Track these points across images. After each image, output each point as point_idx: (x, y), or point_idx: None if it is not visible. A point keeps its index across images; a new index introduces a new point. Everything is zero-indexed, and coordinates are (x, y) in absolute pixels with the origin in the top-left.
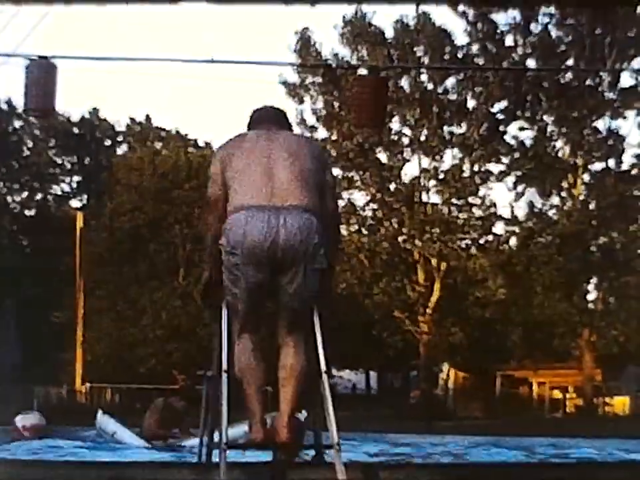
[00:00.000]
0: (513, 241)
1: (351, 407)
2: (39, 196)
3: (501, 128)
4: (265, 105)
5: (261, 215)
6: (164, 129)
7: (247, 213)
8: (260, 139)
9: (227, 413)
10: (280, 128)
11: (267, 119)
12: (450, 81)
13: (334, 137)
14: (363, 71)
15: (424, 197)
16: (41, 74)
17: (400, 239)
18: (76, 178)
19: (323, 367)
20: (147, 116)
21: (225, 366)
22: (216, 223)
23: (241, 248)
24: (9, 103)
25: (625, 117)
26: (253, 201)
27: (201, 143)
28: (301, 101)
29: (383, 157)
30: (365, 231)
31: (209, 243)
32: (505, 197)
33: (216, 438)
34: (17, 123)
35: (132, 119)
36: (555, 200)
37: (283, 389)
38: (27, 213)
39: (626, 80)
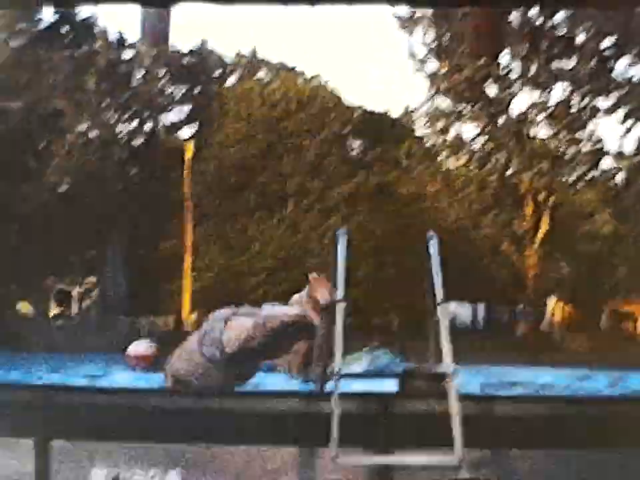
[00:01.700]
0: (621, 176)
1: (458, 339)
2: (148, 126)
3: (610, 63)
4: None
5: None
6: (271, 62)
7: None
8: None
9: (342, 342)
10: None
11: None
12: (559, 16)
13: (443, 70)
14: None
15: (532, 131)
16: (156, 12)
17: (508, 172)
18: (185, 108)
19: (439, 297)
20: (254, 49)
21: (340, 294)
22: None
23: None
24: (120, 34)
25: None
26: None
27: (309, 75)
28: (412, 34)
29: (491, 90)
30: (473, 164)
31: None
32: (613, 131)
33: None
34: (128, 54)
35: (238, 52)
36: None
37: None
38: (136, 142)
39: None
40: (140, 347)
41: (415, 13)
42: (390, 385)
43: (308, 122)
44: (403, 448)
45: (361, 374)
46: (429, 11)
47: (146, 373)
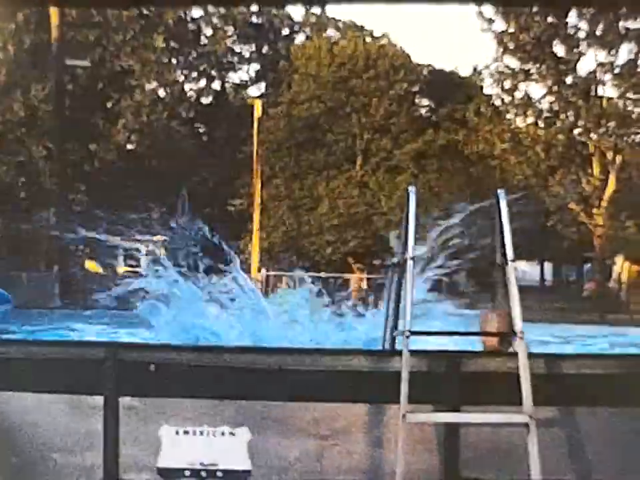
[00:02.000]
0: None
1: (526, 298)
2: (216, 84)
3: None
4: None
5: None
6: (340, 20)
7: None
8: None
9: (411, 299)
10: None
11: None
12: None
13: (511, 30)
14: None
15: (600, 91)
16: None
17: (576, 131)
18: (254, 66)
19: (509, 255)
20: (322, 6)
21: (410, 253)
22: None
23: None
24: None
25: None
26: None
27: (377, 34)
28: None
29: (559, 50)
30: (541, 123)
31: None
32: None
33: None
34: (196, 13)
35: (307, 9)
36: None
37: None
38: (204, 100)
39: None
40: None
41: None
42: (460, 343)
43: (376, 80)
44: (472, 406)
45: (430, 332)
46: None
47: None
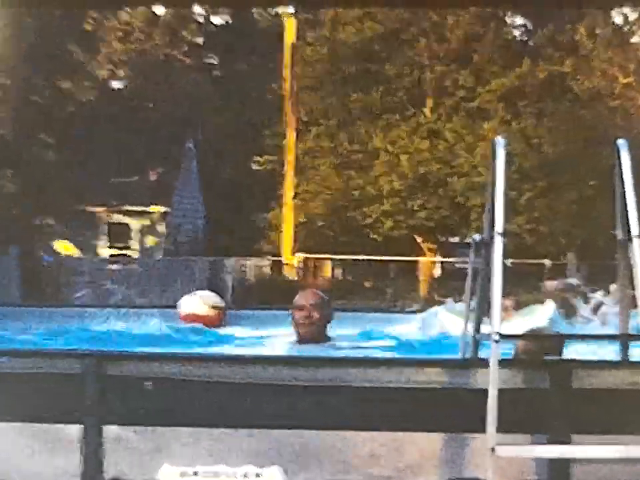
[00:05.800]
0: None
1: None
2: None
3: None
4: None
5: None
6: None
7: None
8: None
9: (501, 290)
10: None
11: None
12: None
13: None
14: None
15: None
16: None
17: None
18: None
19: (634, 228)
20: None
21: (499, 227)
22: None
23: None
24: None
25: None
26: None
27: None
28: None
29: None
30: None
31: None
32: None
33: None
34: None
35: None
36: None
37: None
38: (216, 21)
39: None
40: (197, 304)
41: None
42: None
43: None
44: (582, 434)
45: (528, 334)
46: None
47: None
